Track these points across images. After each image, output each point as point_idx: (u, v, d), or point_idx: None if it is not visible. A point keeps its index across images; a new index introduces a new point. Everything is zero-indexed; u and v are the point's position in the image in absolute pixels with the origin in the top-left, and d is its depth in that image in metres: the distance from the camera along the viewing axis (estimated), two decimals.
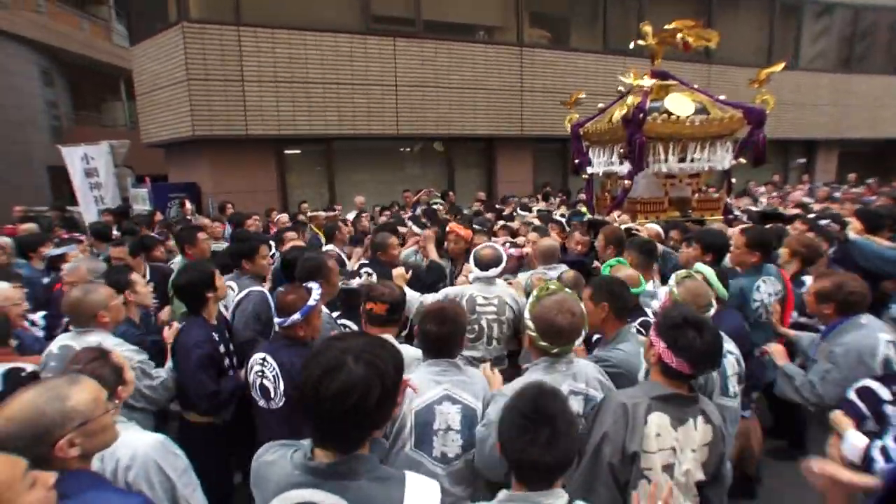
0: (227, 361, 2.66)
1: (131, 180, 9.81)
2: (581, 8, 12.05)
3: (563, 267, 3.66)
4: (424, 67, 10.01)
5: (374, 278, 3.36)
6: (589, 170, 6.13)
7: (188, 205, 8.51)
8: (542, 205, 8.79)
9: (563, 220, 5.88)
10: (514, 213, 7.46)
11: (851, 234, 4.08)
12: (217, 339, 2.62)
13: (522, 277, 3.68)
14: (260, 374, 2.30)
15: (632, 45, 6.13)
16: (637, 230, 4.44)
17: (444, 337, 2.00)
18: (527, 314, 1.92)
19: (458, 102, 10.40)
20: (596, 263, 4.15)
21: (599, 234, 4.08)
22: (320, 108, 9.34)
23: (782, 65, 5.69)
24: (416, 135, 10.35)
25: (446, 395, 1.94)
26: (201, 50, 8.45)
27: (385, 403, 1.18)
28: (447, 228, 4.66)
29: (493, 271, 3.18)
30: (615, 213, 5.24)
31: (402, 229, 5.29)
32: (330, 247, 4.82)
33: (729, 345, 2.37)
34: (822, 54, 14.88)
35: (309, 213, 7.83)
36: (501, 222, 6.19)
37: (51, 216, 9.48)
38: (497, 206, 8.87)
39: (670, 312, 1.78)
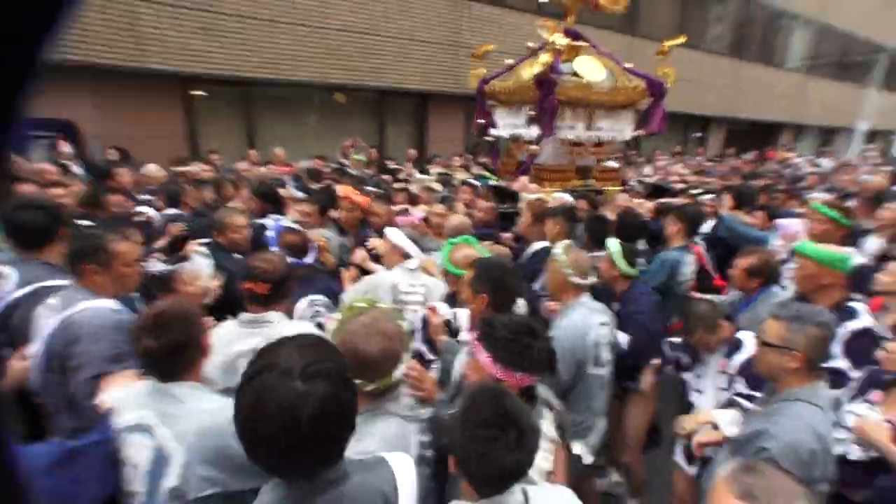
0: None
1: None
2: None
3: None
4: (359, 11, 8.97)
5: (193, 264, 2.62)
6: (493, 132, 5.69)
7: (65, 147, 6.87)
8: (439, 167, 8.01)
9: (468, 180, 5.56)
10: (410, 177, 6.90)
11: (722, 211, 4.41)
12: None
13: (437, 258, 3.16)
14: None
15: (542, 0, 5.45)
16: (545, 200, 4.27)
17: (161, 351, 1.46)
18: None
19: (393, 53, 9.55)
20: (506, 235, 4.15)
21: (524, 208, 4.02)
22: (237, 44, 8.00)
23: (683, 38, 5.62)
24: (346, 85, 9.36)
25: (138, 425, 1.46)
26: None
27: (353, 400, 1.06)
28: (340, 193, 3.99)
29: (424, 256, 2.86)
30: (522, 179, 5.05)
31: (282, 192, 4.49)
32: (171, 212, 4.29)
33: (602, 316, 2.47)
34: (721, 38, 16.12)
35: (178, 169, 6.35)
36: (398, 184, 5.59)
37: None
38: (392, 166, 8.24)
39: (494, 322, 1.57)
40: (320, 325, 2.28)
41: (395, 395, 1.51)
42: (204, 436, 1.37)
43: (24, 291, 2.10)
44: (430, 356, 2.27)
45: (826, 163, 13.91)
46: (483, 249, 2.57)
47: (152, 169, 5.98)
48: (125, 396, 1.52)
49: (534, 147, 5.12)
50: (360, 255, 3.15)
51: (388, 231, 2.90)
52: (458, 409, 1.28)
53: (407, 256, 2.77)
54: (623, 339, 2.69)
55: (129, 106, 7.64)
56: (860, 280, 2.67)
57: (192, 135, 8.40)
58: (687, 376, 2.78)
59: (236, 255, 3.07)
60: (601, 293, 2.80)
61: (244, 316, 1.91)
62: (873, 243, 3.76)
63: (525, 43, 5.54)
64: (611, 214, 4.02)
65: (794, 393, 1.70)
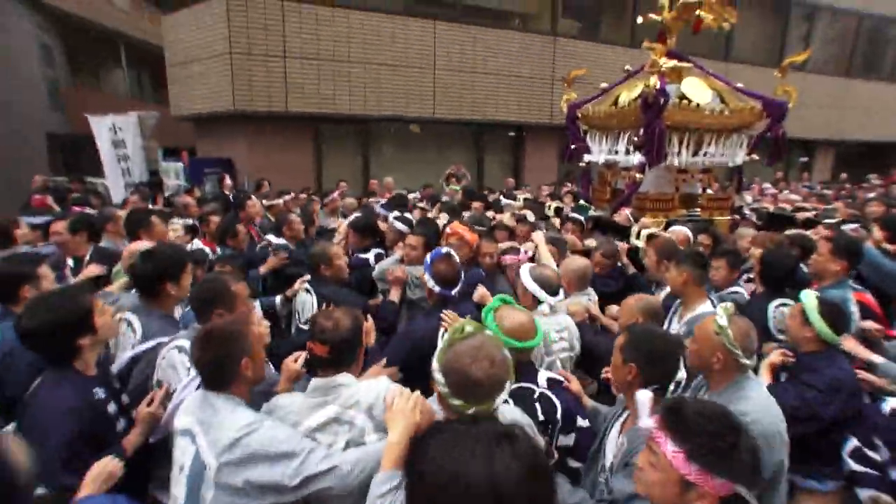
0: (120, 424, 1.89)
1: (160, 153, 9.57)
2: (612, 1, 12.18)
3: (591, 291, 3.28)
4: (462, 52, 10.01)
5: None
6: (587, 158, 5.45)
7: (228, 180, 8.40)
8: (526, 194, 7.96)
9: (573, 215, 5.09)
10: (500, 202, 6.61)
11: (868, 244, 3.59)
12: (102, 396, 1.85)
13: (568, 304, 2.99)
14: None
15: (640, 20, 5.31)
16: (659, 234, 3.94)
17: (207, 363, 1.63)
18: (435, 365, 1.49)
19: (493, 88, 10.45)
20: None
21: (648, 247, 3.56)
22: (360, 87, 9.28)
23: (807, 53, 5.38)
24: (450, 119, 10.37)
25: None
26: (245, 23, 8.27)
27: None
28: (447, 229, 3.74)
29: (560, 296, 2.62)
30: (625, 211, 4.74)
31: (382, 226, 4.43)
32: (279, 241, 4.33)
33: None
34: (826, 59, 15.44)
35: (265, 202, 6.47)
36: (495, 217, 5.23)
37: (70, 187, 9.19)
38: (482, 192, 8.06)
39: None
40: None
41: (493, 419, 1.46)
42: (231, 449, 1.48)
43: (147, 346, 2.22)
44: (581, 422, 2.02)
45: None
46: (471, 323, 1.72)
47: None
48: (186, 401, 1.67)
49: (637, 175, 4.80)
50: (480, 291, 3.00)
51: (522, 273, 2.67)
52: None
53: (538, 302, 2.58)
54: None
55: (272, 143, 9.10)
56: None
57: (319, 166, 9.74)
58: None
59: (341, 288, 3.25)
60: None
61: (313, 383, 1.71)
62: None
63: (616, 72, 5.63)
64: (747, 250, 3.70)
65: None
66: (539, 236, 3.72)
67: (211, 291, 2.15)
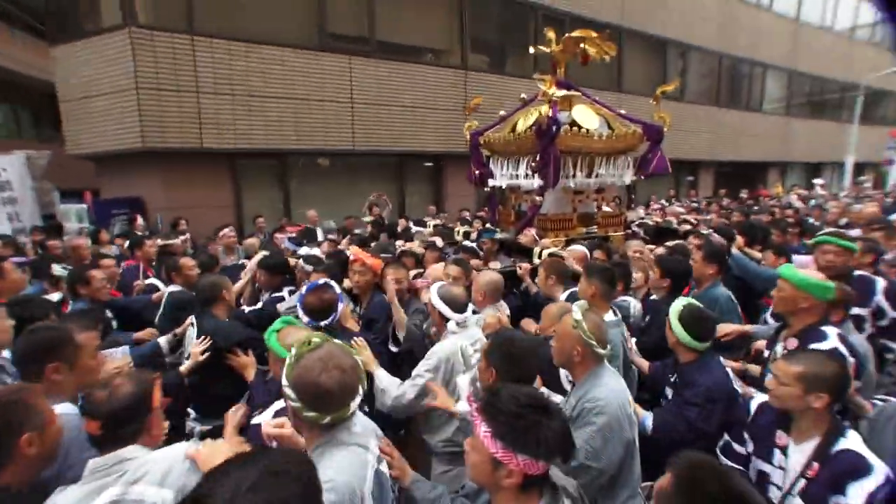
0: None
1: (57, 195, 8.83)
2: (515, 37, 13.11)
3: (504, 304, 3.47)
4: (379, 86, 10.30)
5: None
6: (491, 182, 5.62)
7: (140, 220, 7.95)
8: (437, 220, 8.25)
9: (472, 243, 5.17)
10: (411, 230, 6.68)
11: (734, 250, 4.31)
12: None
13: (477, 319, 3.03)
14: None
15: (532, 51, 5.73)
16: (560, 254, 4.11)
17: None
18: (284, 381, 1.47)
19: (410, 120, 10.81)
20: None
21: (539, 267, 3.76)
22: (276, 122, 9.23)
23: (676, 83, 5.97)
24: (370, 151, 10.56)
25: None
26: (153, 58, 7.99)
27: None
28: (351, 256, 3.74)
29: (468, 313, 2.71)
30: (531, 232, 5.00)
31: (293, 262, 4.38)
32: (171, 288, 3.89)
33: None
34: (701, 91, 17.66)
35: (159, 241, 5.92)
36: (402, 245, 5.37)
37: None
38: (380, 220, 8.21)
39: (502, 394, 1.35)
40: None
41: (348, 426, 1.52)
42: None
43: None
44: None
45: (820, 190, 14.97)
46: (317, 334, 1.83)
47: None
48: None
49: (537, 198, 5.04)
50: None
51: (431, 293, 2.75)
52: None
53: (445, 319, 2.67)
54: (647, 420, 2.44)
55: (189, 182, 8.74)
56: None
57: (238, 203, 9.47)
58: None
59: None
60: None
61: (90, 465, 1.44)
62: None
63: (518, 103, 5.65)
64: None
65: None
66: (437, 269, 3.84)
67: (44, 342, 1.85)
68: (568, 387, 2.48)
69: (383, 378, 2.58)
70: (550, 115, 4.67)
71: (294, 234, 6.61)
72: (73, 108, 8.81)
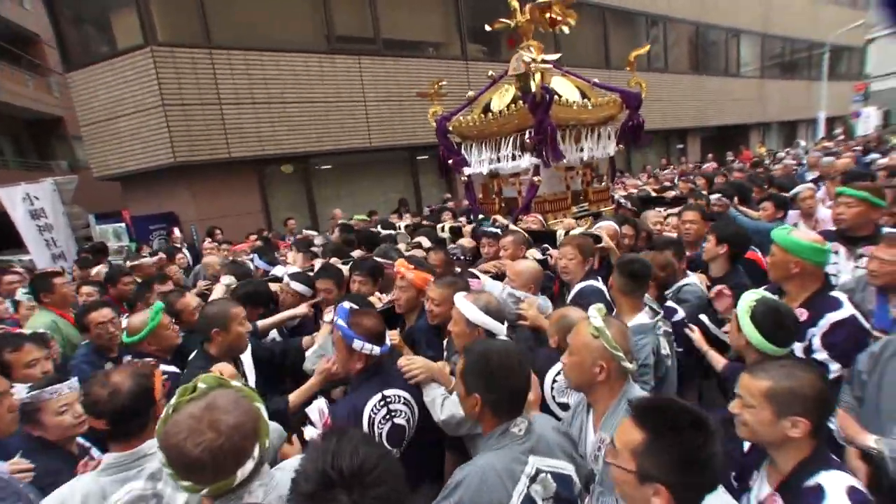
0: None
1: (92, 218, 8.95)
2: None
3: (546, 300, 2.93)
4: (388, 82, 10.58)
5: None
6: (467, 171, 5.02)
7: (177, 233, 8.15)
8: (406, 219, 7.36)
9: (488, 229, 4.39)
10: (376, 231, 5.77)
11: (731, 209, 4.25)
12: None
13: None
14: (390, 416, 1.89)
15: (488, 28, 5.14)
16: (594, 234, 3.63)
17: None
18: (155, 440, 1.25)
19: (420, 112, 11.10)
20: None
21: (567, 246, 3.14)
22: (297, 126, 9.46)
23: (648, 46, 5.63)
24: (386, 146, 10.84)
25: None
26: (175, 74, 8.16)
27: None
28: (396, 268, 2.93)
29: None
30: (535, 216, 4.49)
31: (274, 287, 3.55)
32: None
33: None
34: (680, 59, 18.27)
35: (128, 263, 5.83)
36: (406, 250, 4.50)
37: None
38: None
39: None
40: (397, 426, 1.89)
41: (240, 495, 1.21)
42: None
43: None
44: None
45: (803, 143, 15.61)
46: (158, 314, 2.12)
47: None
48: None
49: (535, 178, 4.53)
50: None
51: (466, 309, 2.16)
52: None
53: (491, 335, 2.14)
54: None
55: (217, 192, 8.94)
56: None
57: (266, 208, 9.69)
58: None
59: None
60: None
61: (107, 459, 1.49)
62: None
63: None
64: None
65: None
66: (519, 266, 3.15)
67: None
68: (560, 412, 2.11)
69: (431, 391, 2.04)
70: (543, 85, 4.18)
71: (248, 251, 5.68)
72: (97, 131, 8.91)
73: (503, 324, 2.19)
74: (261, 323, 3.08)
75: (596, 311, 1.76)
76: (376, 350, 1.91)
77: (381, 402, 1.86)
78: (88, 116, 8.88)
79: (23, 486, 1.66)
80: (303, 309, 3.22)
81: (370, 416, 1.83)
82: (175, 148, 8.19)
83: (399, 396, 1.91)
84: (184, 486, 1.17)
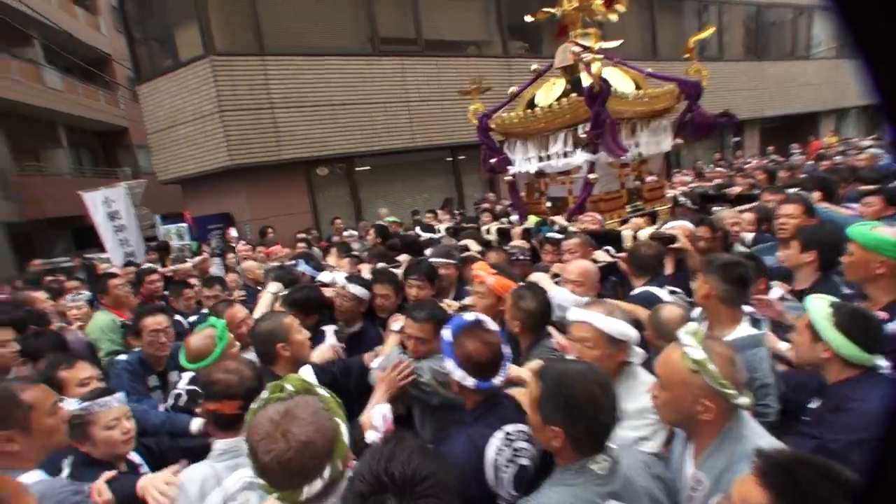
0: None
1: (158, 219, 9.66)
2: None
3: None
4: (430, 82, 10.77)
5: None
6: (513, 170, 4.76)
7: (232, 232, 8.64)
8: (445, 221, 7.39)
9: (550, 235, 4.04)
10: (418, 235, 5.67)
11: (817, 205, 3.61)
12: None
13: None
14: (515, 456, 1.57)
15: (529, 18, 4.98)
16: (667, 235, 3.34)
17: None
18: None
19: (462, 111, 11.19)
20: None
21: (634, 253, 2.98)
22: (344, 127, 9.81)
23: (712, 28, 5.17)
24: (429, 146, 11.03)
25: None
26: (230, 81, 8.67)
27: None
28: (474, 272, 2.74)
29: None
30: (594, 216, 4.15)
31: (328, 291, 3.29)
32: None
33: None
34: (737, 46, 17.42)
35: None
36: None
37: (71, 266, 9.13)
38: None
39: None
40: (522, 468, 1.57)
41: None
42: None
43: None
44: None
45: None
46: (224, 333, 1.95)
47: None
48: None
49: (591, 175, 4.23)
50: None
51: (596, 321, 1.82)
52: None
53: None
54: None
55: (269, 192, 9.41)
56: None
57: (315, 208, 10.10)
58: None
59: None
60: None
61: (219, 445, 1.54)
62: None
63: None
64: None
65: None
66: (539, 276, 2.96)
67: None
68: None
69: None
70: (601, 77, 3.85)
71: (294, 258, 5.26)
72: (160, 138, 9.61)
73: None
74: None
75: (691, 337, 1.43)
76: (471, 383, 1.62)
77: (505, 442, 1.57)
78: (154, 125, 9.59)
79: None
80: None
81: (495, 460, 1.54)
82: (231, 151, 8.71)
83: (522, 432, 1.59)
84: (259, 484, 1.19)
